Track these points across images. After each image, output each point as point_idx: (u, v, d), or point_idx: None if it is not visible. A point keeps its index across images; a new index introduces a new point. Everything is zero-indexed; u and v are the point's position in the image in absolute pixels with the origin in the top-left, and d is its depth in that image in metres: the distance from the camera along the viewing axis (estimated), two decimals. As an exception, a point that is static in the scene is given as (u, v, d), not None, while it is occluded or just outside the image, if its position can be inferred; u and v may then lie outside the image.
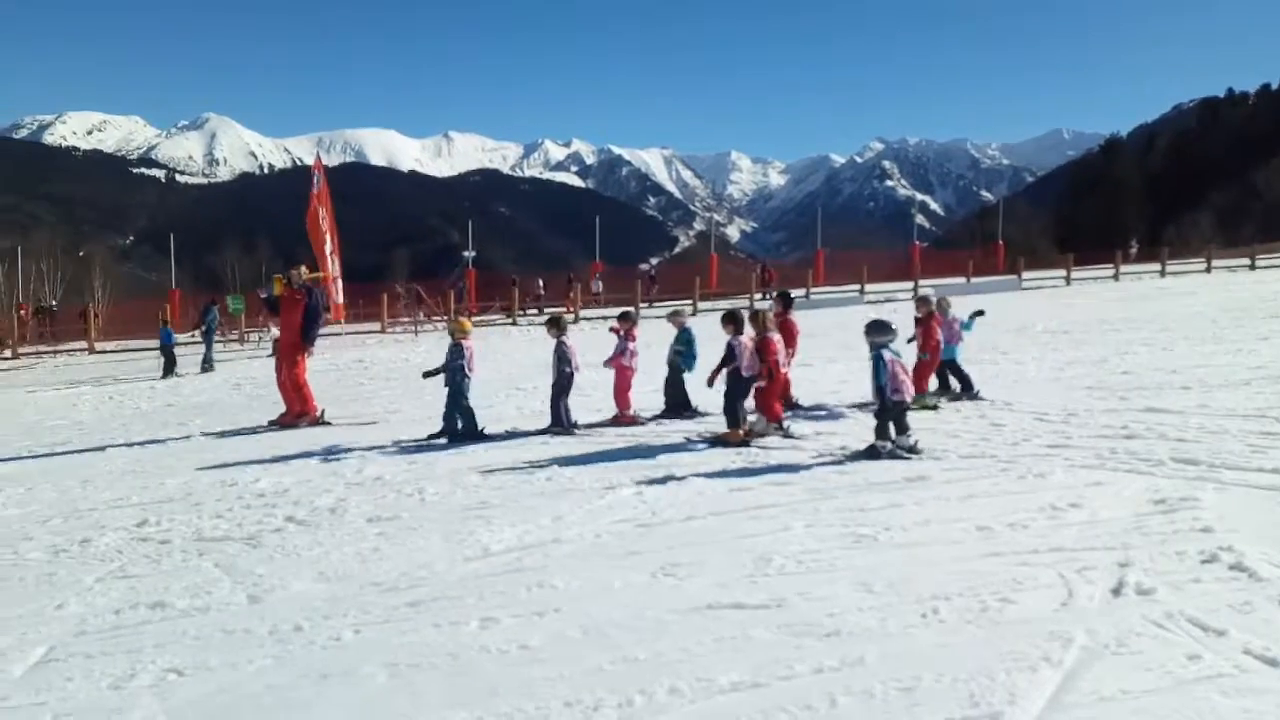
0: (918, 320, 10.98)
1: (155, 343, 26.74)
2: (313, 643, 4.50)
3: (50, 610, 5.23)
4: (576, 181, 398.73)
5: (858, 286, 36.36)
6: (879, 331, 8.24)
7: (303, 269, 12.37)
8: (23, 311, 39.72)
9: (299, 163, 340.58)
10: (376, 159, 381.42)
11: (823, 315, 26.67)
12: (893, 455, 7.82)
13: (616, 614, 4.57)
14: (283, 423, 11.81)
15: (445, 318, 32.52)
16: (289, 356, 11.98)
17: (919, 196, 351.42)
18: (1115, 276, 38.14)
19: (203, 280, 64.81)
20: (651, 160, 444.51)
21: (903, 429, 8.03)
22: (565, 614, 4.62)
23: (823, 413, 10.60)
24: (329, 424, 11.79)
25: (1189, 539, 5.25)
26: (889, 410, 7.99)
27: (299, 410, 11.91)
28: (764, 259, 45.09)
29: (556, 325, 10.74)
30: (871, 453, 7.93)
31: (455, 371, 10.23)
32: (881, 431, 8.00)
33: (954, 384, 11.16)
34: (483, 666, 4.09)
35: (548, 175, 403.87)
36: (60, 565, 6.14)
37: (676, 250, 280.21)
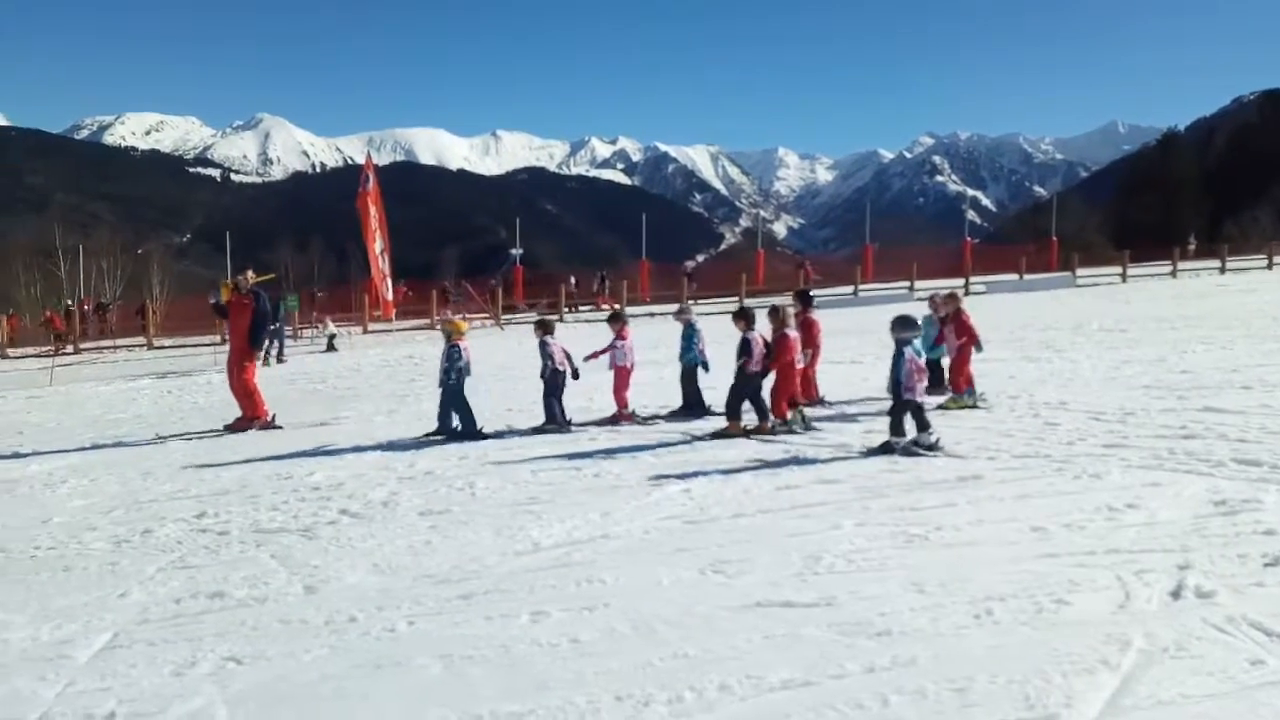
0: (942, 319, 10.94)
1: (212, 339, 27.34)
2: (367, 633, 4.58)
3: (114, 598, 5.38)
4: (623, 179, 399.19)
5: (907, 283, 35.94)
6: (904, 328, 8.32)
7: (249, 274, 12.29)
8: (85, 307, 40.83)
9: (350, 162, 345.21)
10: (426, 158, 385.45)
11: (872, 312, 26.41)
12: (906, 452, 7.83)
13: (665, 610, 4.58)
14: (235, 428, 11.70)
15: (492, 315, 32.80)
16: (238, 361, 11.82)
17: (970, 192, 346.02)
18: (1173, 273, 37.25)
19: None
20: (698, 157, 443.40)
21: (923, 425, 8.03)
22: (614, 609, 4.65)
23: (849, 410, 10.64)
24: (280, 428, 11.68)
25: (1251, 542, 5.14)
26: (902, 408, 8.03)
27: (250, 415, 11.77)
28: (802, 255, 44.55)
29: (543, 326, 11.07)
30: (885, 449, 7.97)
31: (452, 373, 10.36)
32: (896, 428, 8.03)
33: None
34: (533, 659, 4.14)
35: (594, 173, 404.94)
36: (123, 555, 6.31)
37: (722, 247, 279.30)
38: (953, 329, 10.72)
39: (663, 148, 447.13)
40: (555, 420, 10.41)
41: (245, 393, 11.87)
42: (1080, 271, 38.02)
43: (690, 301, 32.92)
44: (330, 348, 24.89)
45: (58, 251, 56.56)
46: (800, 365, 9.88)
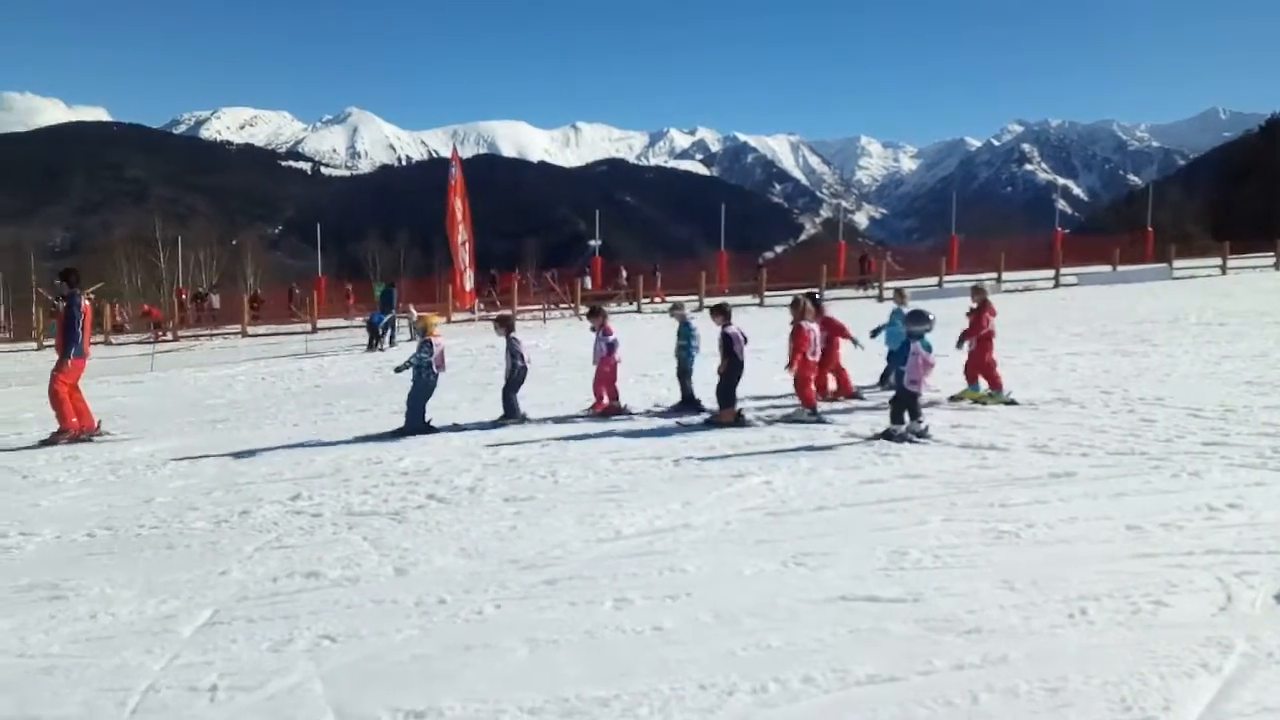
0: (970, 311, 10.89)
1: (303, 327, 28.21)
2: (455, 616, 4.68)
3: (214, 576, 5.62)
4: (701, 169, 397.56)
5: (994, 274, 35.05)
6: (917, 321, 8.72)
7: (59, 281, 11.69)
8: (182, 296, 42.50)
9: (434, 155, 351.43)
10: (507, 150, 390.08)
11: (956, 304, 25.85)
12: (903, 439, 8.26)
13: (748, 600, 4.58)
14: (48, 441, 10.99)
15: (572, 305, 33.06)
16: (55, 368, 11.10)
17: (1061, 181, 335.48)
18: (1276, 265, 35.56)
19: (346, 268, 67.73)
20: (778, 147, 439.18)
21: (915, 414, 8.50)
22: (697, 598, 4.67)
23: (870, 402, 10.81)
24: (100, 438, 11.17)
25: (1364, 546, 4.90)
26: (905, 397, 8.48)
27: (62, 426, 11.00)
28: (865, 247, 43.40)
29: (505, 323, 11.30)
30: (887, 435, 8.41)
31: (422, 368, 10.50)
32: (897, 416, 8.49)
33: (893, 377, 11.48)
34: (618, 646, 4.18)
35: (672, 164, 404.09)
36: (222, 534, 6.58)
37: (802, 238, 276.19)
38: (973, 322, 10.74)
39: (742, 137, 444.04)
40: (514, 414, 10.74)
41: (54, 403, 11.04)
42: (1177, 263, 36.51)
43: (769, 292, 32.69)
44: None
45: (157, 243, 58.99)
46: (812, 358, 10.06)
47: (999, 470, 7.05)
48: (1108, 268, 36.04)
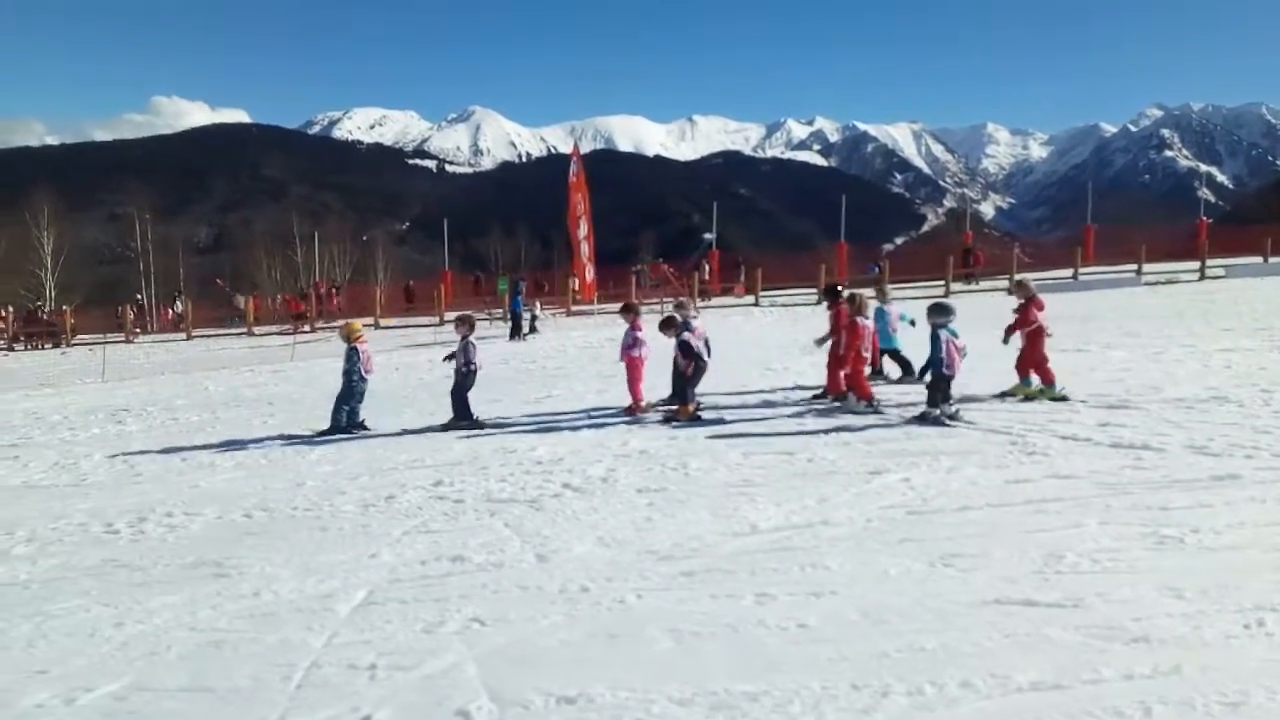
0: (1017, 306, 10.63)
1: (430, 320, 29.14)
2: (599, 603, 4.74)
3: (366, 558, 5.84)
4: (819, 160, 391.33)
5: (1134, 266, 33.34)
6: (939, 314, 9.28)
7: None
8: (319, 290, 44.43)
9: (553, 151, 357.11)
10: (624, 145, 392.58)
11: (1095, 298, 24.72)
12: (938, 422, 8.85)
13: (895, 601, 4.48)
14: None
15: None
16: None
17: (1203, 168, 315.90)
18: None
19: (470, 262, 69.55)
20: (899, 135, 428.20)
21: (946, 398, 9.09)
22: (841, 596, 4.59)
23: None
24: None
25: None
26: (942, 382, 9.04)
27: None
28: (966, 239, 41.44)
29: (466, 323, 11.29)
30: (923, 418, 9.04)
31: (352, 374, 10.83)
32: (933, 400, 9.09)
33: (891, 371, 12.13)
34: (763, 641, 4.15)
35: (789, 155, 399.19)
36: (371, 518, 6.84)
37: (924, 229, 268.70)
38: (1019, 317, 10.48)
39: (862, 127, 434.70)
40: (464, 417, 10.71)
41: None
42: (1338, 253, 33.93)
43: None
44: (533, 329, 25.99)
45: (294, 238, 61.83)
46: (866, 355, 10.29)
47: (1156, 472, 6.69)
48: (1257, 259, 33.73)
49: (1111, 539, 5.19)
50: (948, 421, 8.83)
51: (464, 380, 10.86)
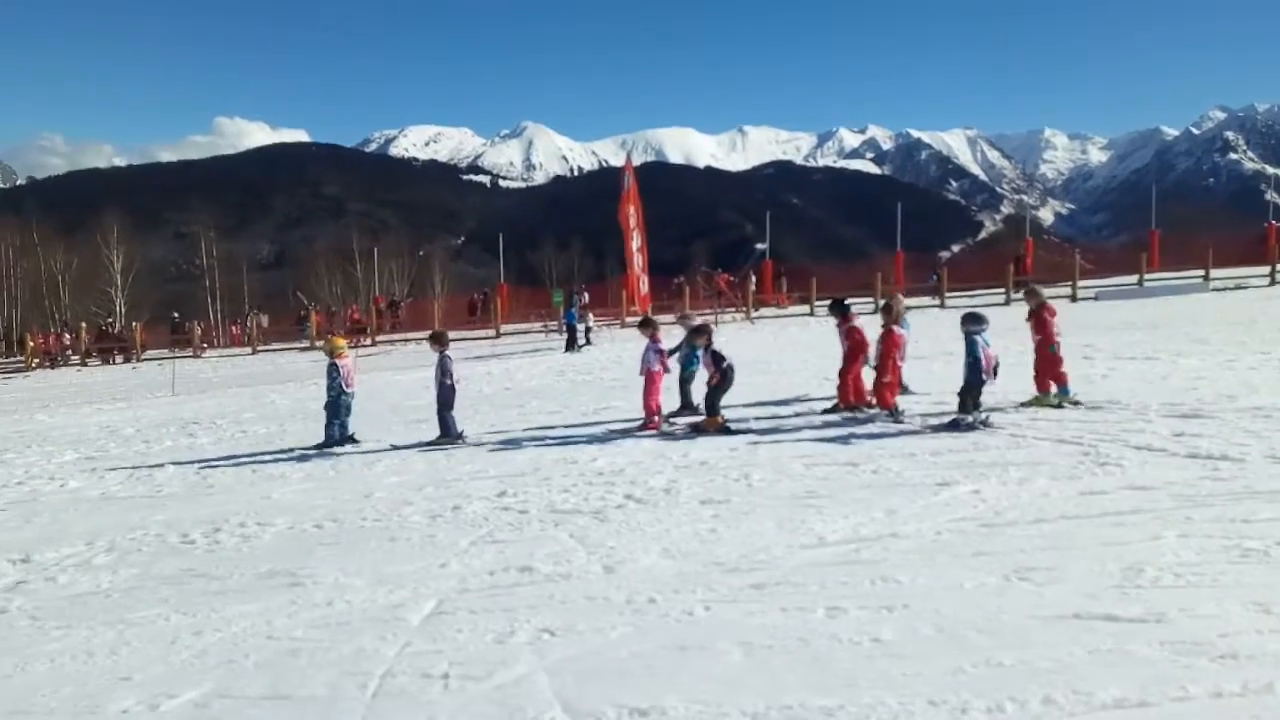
0: (1029, 315, 10.53)
1: (488, 333, 29.44)
2: (667, 615, 4.73)
3: (435, 568, 5.91)
4: (872, 168, 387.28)
5: (1201, 271, 32.41)
6: (973, 322, 9.41)
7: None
8: (379, 304, 45.15)
9: (604, 164, 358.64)
10: (674, 157, 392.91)
11: (1162, 304, 24.09)
12: (971, 427, 8.95)
13: (970, 615, 4.40)
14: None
15: (743, 309, 32.96)
16: None
17: (1270, 170, 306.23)
18: None
19: (524, 276, 70.16)
20: (954, 142, 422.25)
21: (977, 404, 9.25)
22: (915, 610, 4.52)
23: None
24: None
25: None
26: (975, 389, 9.17)
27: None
28: (1022, 245, 40.33)
29: (439, 340, 11.40)
30: (954, 425, 9.11)
31: (333, 389, 11.14)
32: (964, 406, 9.18)
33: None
34: (836, 655, 4.10)
35: (841, 164, 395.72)
36: (438, 529, 6.92)
37: (981, 235, 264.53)
38: (1032, 326, 10.40)
39: (915, 134, 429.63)
40: (449, 434, 10.78)
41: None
42: None
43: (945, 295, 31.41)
44: (587, 340, 26.13)
45: (354, 254, 63.01)
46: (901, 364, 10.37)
47: (1236, 483, 6.48)
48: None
49: (1193, 552, 5.04)
50: (982, 426, 8.98)
51: (445, 396, 11.03)
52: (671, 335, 12.37)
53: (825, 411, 10.91)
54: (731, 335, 24.82)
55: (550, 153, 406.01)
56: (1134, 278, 32.56)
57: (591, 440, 10.28)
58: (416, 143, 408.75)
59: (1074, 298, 28.97)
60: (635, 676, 4.05)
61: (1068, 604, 4.43)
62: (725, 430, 10.04)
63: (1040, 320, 10.34)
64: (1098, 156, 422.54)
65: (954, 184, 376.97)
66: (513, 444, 10.47)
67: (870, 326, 11.16)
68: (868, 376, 10.76)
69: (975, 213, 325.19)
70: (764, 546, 5.77)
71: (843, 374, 11.02)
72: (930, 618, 4.41)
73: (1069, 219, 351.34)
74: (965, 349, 9.34)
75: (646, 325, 11.65)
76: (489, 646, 4.53)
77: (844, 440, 9.18)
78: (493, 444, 10.59)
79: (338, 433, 11.36)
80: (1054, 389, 10.16)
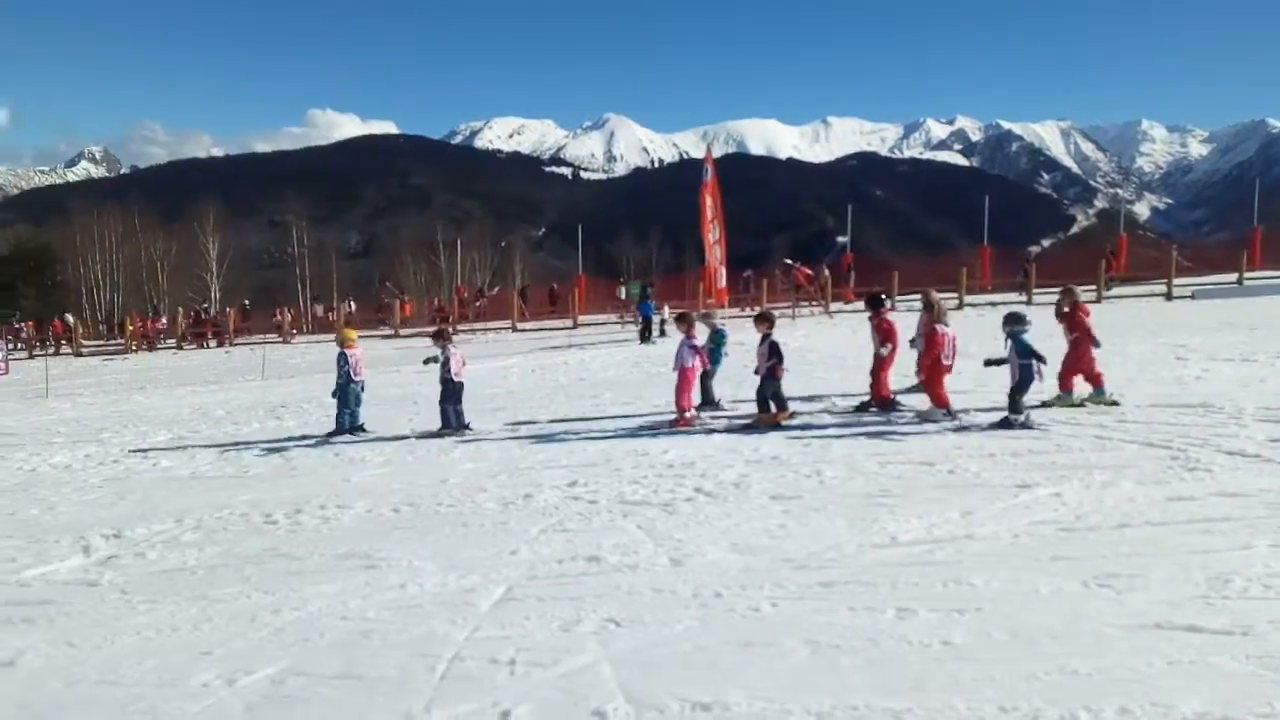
0: (1063, 314, 10.38)
1: (564, 323, 29.71)
2: (732, 610, 4.71)
3: (505, 555, 6.00)
4: (959, 160, 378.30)
5: (1310, 271, 30.87)
6: (1015, 322, 9.43)
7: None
8: (462, 294, 45.93)
9: (685, 156, 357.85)
10: (756, 148, 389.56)
11: (1263, 304, 23.01)
12: (1023, 426, 8.96)
13: (1046, 621, 4.28)
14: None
15: (822, 302, 32.55)
16: None
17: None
18: None
19: (603, 268, 70.53)
20: (1046, 134, 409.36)
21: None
22: (987, 614, 4.41)
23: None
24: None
25: None
26: (1025, 387, 9.14)
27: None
28: (1110, 241, 38.65)
29: (442, 336, 11.73)
30: (1005, 424, 9.09)
31: (342, 378, 11.42)
32: (1016, 405, 9.14)
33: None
34: (904, 657, 4.03)
35: (928, 155, 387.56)
36: (510, 516, 7.02)
37: (1073, 230, 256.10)
38: (1066, 326, 10.37)
39: (1005, 125, 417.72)
40: (450, 425, 11.04)
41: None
42: None
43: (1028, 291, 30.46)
44: (662, 332, 26.15)
45: (439, 244, 64.22)
46: (947, 363, 10.03)
47: (1337, 493, 6.17)
48: None
49: (1287, 563, 4.81)
50: (1031, 425, 8.99)
51: (448, 390, 11.33)
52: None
53: (856, 409, 10.77)
54: (809, 329, 24.56)
55: (631, 144, 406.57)
56: (1233, 276, 31.17)
57: (661, 433, 10.29)
58: (501, 135, 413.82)
59: (1169, 296, 27.88)
60: (699, 670, 4.05)
61: (1149, 613, 4.28)
62: (777, 425, 9.97)
63: (1076, 320, 10.23)
64: (1198, 150, 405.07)
65: (1045, 177, 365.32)
66: (584, 434, 10.55)
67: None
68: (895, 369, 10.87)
69: (1067, 206, 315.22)
70: (834, 544, 5.70)
71: (874, 371, 10.87)
72: (1004, 622, 4.30)
73: (1166, 214, 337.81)
74: (1013, 349, 9.31)
75: (683, 321, 11.59)
76: (555, 634, 4.57)
77: (920, 438, 9.01)
78: (563, 435, 10.68)
79: (347, 421, 11.74)
80: (1087, 389, 10.10)
